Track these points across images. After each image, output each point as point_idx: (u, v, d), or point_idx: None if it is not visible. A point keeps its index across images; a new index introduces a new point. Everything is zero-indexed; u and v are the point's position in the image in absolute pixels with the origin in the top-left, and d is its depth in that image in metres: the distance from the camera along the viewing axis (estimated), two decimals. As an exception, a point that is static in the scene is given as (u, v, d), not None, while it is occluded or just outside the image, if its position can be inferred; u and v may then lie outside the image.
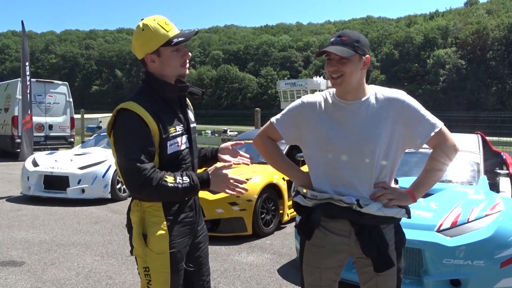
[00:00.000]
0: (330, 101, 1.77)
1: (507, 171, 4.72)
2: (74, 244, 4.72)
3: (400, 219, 1.76)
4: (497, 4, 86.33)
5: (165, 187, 1.64)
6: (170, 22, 1.76)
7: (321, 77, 61.51)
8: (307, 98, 1.85)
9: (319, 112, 1.77)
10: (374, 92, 1.75)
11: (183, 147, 1.80)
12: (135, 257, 1.81)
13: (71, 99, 14.12)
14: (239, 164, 1.94)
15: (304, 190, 1.80)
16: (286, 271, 3.94)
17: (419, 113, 1.70)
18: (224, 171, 1.74)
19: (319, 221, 1.74)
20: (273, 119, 1.90)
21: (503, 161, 5.30)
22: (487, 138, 5.40)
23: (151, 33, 1.70)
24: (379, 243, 1.68)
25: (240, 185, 1.76)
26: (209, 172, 1.73)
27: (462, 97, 64.84)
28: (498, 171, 4.60)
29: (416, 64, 75.30)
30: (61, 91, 13.82)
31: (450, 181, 4.10)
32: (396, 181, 1.87)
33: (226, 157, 1.98)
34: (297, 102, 1.87)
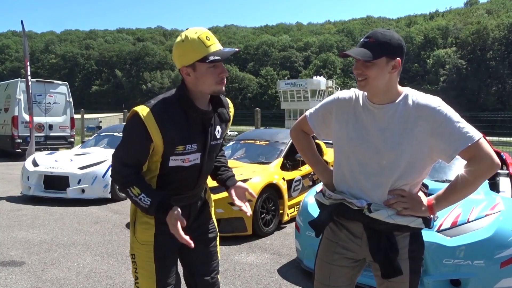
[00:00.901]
0: (361, 102, 1.71)
1: (507, 171, 4.72)
2: (74, 244, 4.72)
3: (418, 228, 1.67)
4: (497, 4, 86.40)
5: (129, 195, 1.73)
6: (213, 36, 1.71)
7: (321, 76, 61.52)
8: (339, 94, 1.81)
9: (348, 111, 1.73)
10: (406, 96, 1.64)
11: (188, 164, 1.78)
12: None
13: (71, 99, 14.13)
14: (240, 206, 1.92)
15: (324, 188, 1.82)
16: (286, 271, 3.94)
17: (451, 123, 1.54)
18: (179, 221, 1.68)
19: (328, 220, 1.75)
20: (307, 112, 1.91)
21: (503, 161, 5.29)
22: (487, 138, 5.39)
23: (189, 46, 1.66)
24: (387, 249, 1.63)
25: (184, 238, 1.68)
26: (171, 210, 1.69)
27: (462, 97, 64.86)
28: (498, 171, 4.60)
29: (416, 64, 75.33)
30: (61, 91, 13.82)
31: (450, 181, 4.09)
32: (426, 187, 1.79)
33: (234, 197, 1.94)
34: (330, 97, 1.84)
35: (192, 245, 1.68)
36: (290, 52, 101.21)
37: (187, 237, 1.67)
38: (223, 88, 1.76)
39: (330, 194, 1.74)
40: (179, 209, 1.71)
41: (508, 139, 12.15)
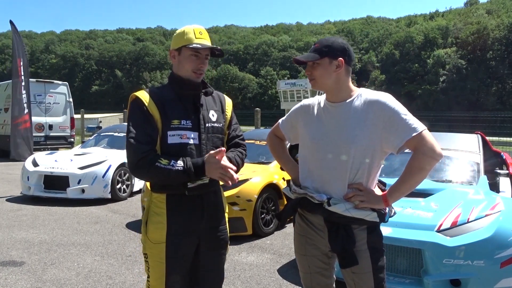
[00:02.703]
0: (322, 104, 1.91)
1: (507, 171, 4.72)
2: (74, 244, 4.72)
3: (375, 222, 1.79)
4: (497, 4, 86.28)
5: (158, 168, 1.75)
6: (207, 35, 1.93)
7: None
8: (305, 101, 2.03)
9: (311, 114, 1.92)
10: (359, 95, 1.82)
11: (188, 141, 1.86)
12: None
13: (71, 99, 14.13)
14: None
15: (291, 183, 1.99)
16: (286, 271, 3.94)
17: (398, 116, 1.72)
18: (217, 157, 1.79)
19: (290, 212, 1.95)
20: (280, 120, 2.13)
21: (503, 161, 5.29)
22: (487, 138, 5.40)
23: (182, 33, 1.89)
24: (344, 240, 1.76)
25: (229, 173, 1.79)
26: (204, 159, 1.81)
27: (462, 97, 64.80)
28: (498, 171, 4.59)
29: (416, 64, 75.22)
30: (61, 91, 13.82)
31: (450, 181, 4.10)
32: (384, 184, 1.93)
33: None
34: (297, 104, 2.04)
35: (236, 178, 1.79)
36: (290, 52, 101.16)
37: (233, 168, 1.80)
38: (199, 79, 1.93)
39: (295, 189, 1.91)
40: (210, 152, 1.80)
41: (508, 139, 12.14)
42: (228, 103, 2.11)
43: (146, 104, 1.83)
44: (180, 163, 1.77)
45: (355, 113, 1.78)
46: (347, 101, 1.81)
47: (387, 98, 1.77)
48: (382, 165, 1.90)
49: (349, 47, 1.84)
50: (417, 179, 1.73)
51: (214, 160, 1.78)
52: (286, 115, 2.12)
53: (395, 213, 1.91)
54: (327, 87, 1.84)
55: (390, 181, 1.93)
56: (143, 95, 1.86)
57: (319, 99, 1.95)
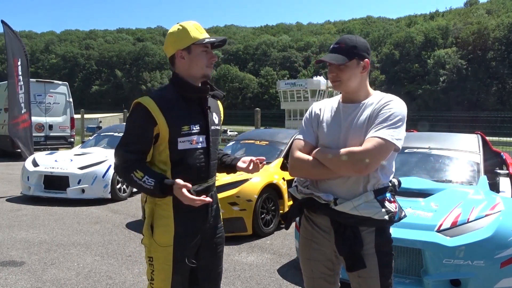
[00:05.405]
0: (335, 105, 1.87)
1: (507, 171, 4.71)
2: (74, 244, 4.72)
3: (383, 221, 1.72)
4: (497, 4, 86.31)
5: (132, 179, 1.76)
6: (203, 28, 1.93)
7: (321, 76, 61.47)
8: (313, 106, 1.97)
9: (323, 116, 1.88)
10: (374, 97, 1.80)
11: (198, 145, 1.86)
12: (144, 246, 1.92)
13: (71, 99, 14.13)
14: (253, 160, 2.07)
15: (297, 183, 1.96)
16: (286, 271, 3.93)
17: (383, 117, 1.70)
18: (184, 191, 1.72)
19: (297, 213, 1.90)
20: (297, 136, 1.94)
21: (503, 161, 5.28)
22: (487, 138, 5.39)
23: (187, 31, 1.84)
24: (351, 242, 1.71)
25: (198, 199, 1.73)
26: (174, 185, 1.73)
27: (462, 97, 64.83)
28: (498, 171, 4.59)
29: (416, 64, 75.19)
30: (61, 91, 13.82)
31: (450, 181, 4.09)
32: (399, 182, 1.88)
33: (244, 164, 2.08)
34: (306, 113, 1.99)
35: (209, 199, 1.76)
36: (290, 52, 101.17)
37: (202, 197, 1.74)
38: (211, 72, 1.93)
39: (301, 189, 1.88)
40: (178, 180, 1.73)
41: (508, 139, 12.12)
42: (220, 105, 2.15)
43: (150, 110, 1.76)
44: (151, 181, 1.73)
45: (366, 114, 1.76)
46: (361, 103, 1.79)
47: (392, 100, 1.76)
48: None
49: (369, 46, 1.83)
50: (324, 166, 1.73)
51: (180, 193, 1.72)
52: (300, 130, 2.00)
53: (405, 215, 1.84)
54: (351, 89, 1.79)
55: None
56: (148, 102, 1.78)
57: (331, 101, 1.91)
